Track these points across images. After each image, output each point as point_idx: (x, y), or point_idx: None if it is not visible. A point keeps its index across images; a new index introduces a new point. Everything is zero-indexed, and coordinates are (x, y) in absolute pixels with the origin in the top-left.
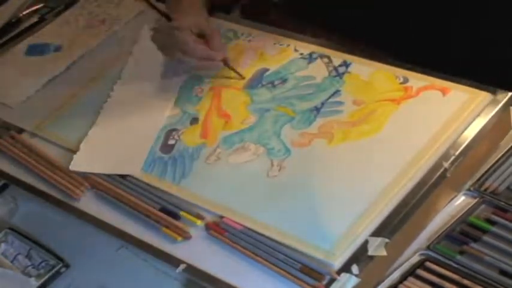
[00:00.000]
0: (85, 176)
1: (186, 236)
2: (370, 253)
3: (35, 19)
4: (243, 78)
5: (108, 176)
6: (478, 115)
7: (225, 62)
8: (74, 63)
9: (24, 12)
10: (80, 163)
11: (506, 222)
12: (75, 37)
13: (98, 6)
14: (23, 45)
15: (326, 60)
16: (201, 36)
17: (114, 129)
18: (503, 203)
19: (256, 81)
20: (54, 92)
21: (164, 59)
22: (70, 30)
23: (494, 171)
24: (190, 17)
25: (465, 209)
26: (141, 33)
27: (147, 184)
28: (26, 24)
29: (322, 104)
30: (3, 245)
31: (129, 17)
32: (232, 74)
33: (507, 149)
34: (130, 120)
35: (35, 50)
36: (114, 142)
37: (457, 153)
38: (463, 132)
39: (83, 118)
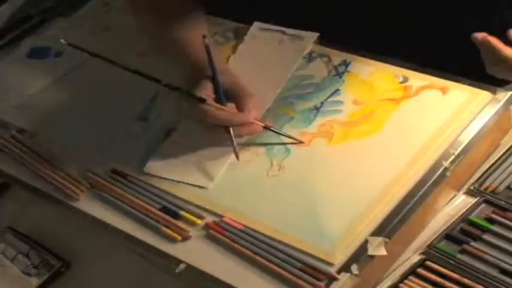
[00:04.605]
0: (85, 176)
1: (186, 236)
2: (370, 252)
3: (36, 19)
4: (302, 142)
5: (108, 176)
6: (478, 114)
7: (265, 125)
8: (72, 70)
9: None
10: (155, 166)
11: (506, 221)
12: (78, 43)
13: (106, 13)
14: (25, 47)
15: (326, 59)
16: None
17: (192, 139)
18: (503, 202)
19: None
20: (54, 94)
21: None
22: (74, 35)
23: (495, 170)
24: (209, 81)
25: (465, 208)
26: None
27: (147, 184)
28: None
29: (322, 103)
30: (3, 244)
31: (133, 26)
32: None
33: (507, 148)
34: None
35: (37, 53)
36: (191, 152)
37: (457, 152)
38: (462, 131)
39: (84, 118)
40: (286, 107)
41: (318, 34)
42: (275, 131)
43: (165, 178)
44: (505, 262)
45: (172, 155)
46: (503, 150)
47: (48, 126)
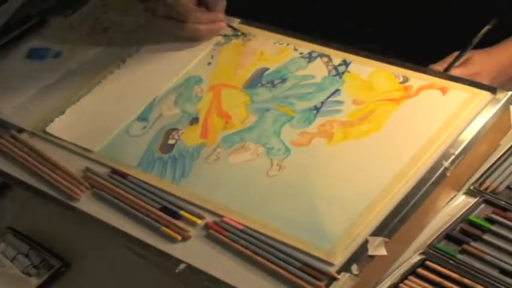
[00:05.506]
0: (85, 176)
1: (186, 236)
2: (370, 252)
3: (36, 19)
4: (246, 35)
5: (108, 176)
6: (478, 114)
7: (228, 23)
8: (70, 72)
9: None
10: (56, 128)
11: (506, 221)
12: (76, 44)
13: (105, 13)
14: (25, 47)
15: (326, 59)
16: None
17: (99, 104)
18: (503, 202)
19: (256, 81)
20: (54, 93)
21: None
22: (73, 36)
23: (494, 170)
24: None
25: (465, 208)
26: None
27: (147, 184)
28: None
29: (322, 103)
30: (3, 244)
31: (131, 27)
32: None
33: (507, 148)
34: (116, 100)
35: (36, 54)
36: (92, 116)
37: (457, 152)
38: (462, 131)
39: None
40: (286, 107)
41: (238, 20)
42: (234, 28)
43: (59, 138)
44: (505, 262)
45: (75, 118)
46: (503, 150)
47: (48, 126)
